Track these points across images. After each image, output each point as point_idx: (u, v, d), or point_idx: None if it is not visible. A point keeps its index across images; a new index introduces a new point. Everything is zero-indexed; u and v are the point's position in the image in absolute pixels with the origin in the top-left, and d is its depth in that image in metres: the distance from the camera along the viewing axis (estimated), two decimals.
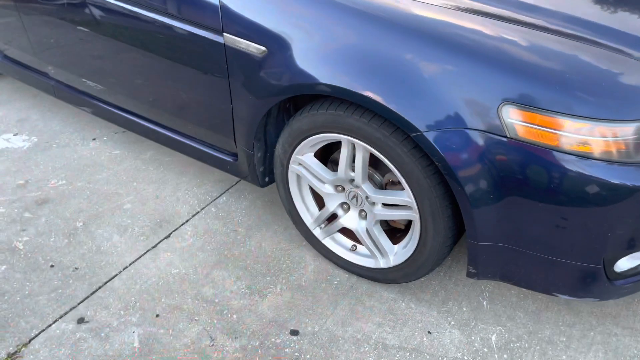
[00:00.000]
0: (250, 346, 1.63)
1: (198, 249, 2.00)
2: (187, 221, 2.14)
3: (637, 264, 1.46)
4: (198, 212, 2.19)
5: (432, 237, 1.54)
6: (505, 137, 1.30)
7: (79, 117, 2.87)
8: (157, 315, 1.74)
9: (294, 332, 1.67)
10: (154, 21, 1.82)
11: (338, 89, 1.45)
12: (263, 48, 1.59)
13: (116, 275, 1.90)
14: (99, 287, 1.85)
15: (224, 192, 2.30)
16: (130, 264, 1.94)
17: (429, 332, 1.65)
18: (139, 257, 1.97)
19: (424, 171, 1.45)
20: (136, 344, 1.65)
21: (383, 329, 1.67)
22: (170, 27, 1.78)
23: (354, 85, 1.43)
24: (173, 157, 2.53)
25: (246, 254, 1.97)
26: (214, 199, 2.25)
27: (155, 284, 1.86)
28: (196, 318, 1.73)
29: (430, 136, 1.36)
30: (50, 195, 2.29)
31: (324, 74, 1.48)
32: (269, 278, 1.87)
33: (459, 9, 1.46)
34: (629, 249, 1.35)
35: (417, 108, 1.36)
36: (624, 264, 1.44)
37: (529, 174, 1.30)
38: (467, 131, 1.33)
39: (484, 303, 1.74)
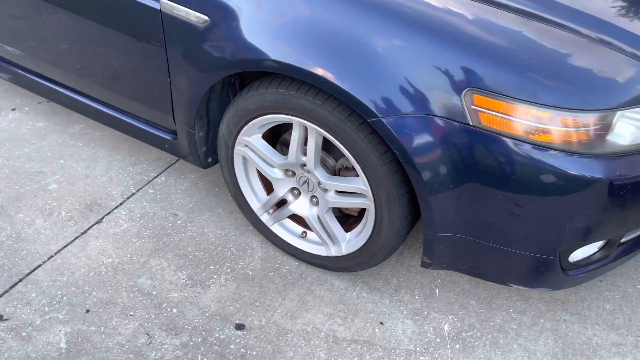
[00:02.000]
0: (191, 343, 1.52)
1: (134, 235, 1.84)
2: (121, 204, 1.96)
3: (591, 253, 1.44)
4: (133, 194, 2.01)
5: (386, 226, 1.47)
6: (468, 124, 1.23)
7: None
8: (87, 311, 1.58)
9: (240, 327, 1.57)
10: None
11: (286, 66, 1.32)
12: (205, 17, 1.42)
13: (39, 265, 1.71)
14: (20, 280, 1.66)
15: (163, 171, 2.12)
16: (56, 253, 1.76)
17: (381, 323, 1.59)
18: (66, 245, 1.79)
19: (380, 158, 1.35)
20: (63, 345, 1.49)
21: (334, 321, 1.59)
22: None
23: (305, 62, 1.30)
24: (105, 131, 2.31)
25: (187, 240, 1.83)
26: (151, 179, 2.08)
27: (85, 275, 1.69)
28: (131, 313, 1.58)
29: (388, 122, 1.26)
30: None
31: (272, 49, 1.34)
32: (212, 267, 1.74)
33: None
34: (585, 240, 1.33)
35: (376, 92, 1.26)
36: (578, 254, 1.42)
37: (490, 163, 1.24)
38: (429, 117, 1.24)
39: (437, 291, 1.70)
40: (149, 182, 2.07)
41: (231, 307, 1.62)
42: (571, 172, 1.22)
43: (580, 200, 1.25)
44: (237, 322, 1.58)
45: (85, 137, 2.28)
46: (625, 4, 1.43)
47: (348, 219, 1.70)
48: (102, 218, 1.90)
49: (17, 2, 1.85)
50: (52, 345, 1.49)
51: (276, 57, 1.33)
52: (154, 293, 1.65)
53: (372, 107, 1.26)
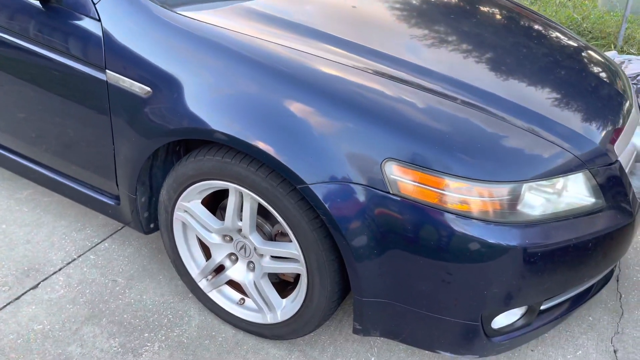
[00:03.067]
0: None
1: (68, 302, 1.80)
2: (59, 269, 1.94)
3: (513, 320, 1.49)
4: (74, 260, 1.99)
5: (318, 291, 1.49)
6: (388, 192, 1.30)
7: None
8: None
9: None
10: (33, 52, 1.68)
11: (225, 136, 1.40)
12: (148, 88, 1.51)
13: None
14: None
15: (107, 237, 2.12)
16: None
17: None
18: None
19: (310, 224, 1.41)
20: None
21: None
22: (50, 60, 1.65)
23: (245, 134, 1.38)
24: (53, 197, 2.31)
25: (124, 307, 1.81)
26: (94, 245, 2.07)
27: (13, 342, 1.64)
28: None
29: (315, 189, 1.33)
30: None
31: (212, 119, 1.42)
32: (147, 334, 1.71)
33: (356, 67, 1.46)
34: (505, 306, 1.38)
35: (304, 160, 1.34)
36: (501, 321, 1.47)
37: (411, 231, 1.30)
38: (352, 185, 1.32)
39: (372, 359, 1.70)
40: (91, 248, 2.06)
41: None
42: (488, 240, 1.29)
43: (496, 267, 1.31)
44: None
45: (31, 203, 2.27)
46: (533, 87, 1.58)
47: (286, 285, 1.72)
48: (39, 284, 1.87)
49: None
50: None
51: (216, 127, 1.41)
52: None
53: (300, 174, 1.33)
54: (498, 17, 2.11)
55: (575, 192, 1.43)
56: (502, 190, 1.30)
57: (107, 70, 1.56)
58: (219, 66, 1.45)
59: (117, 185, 1.76)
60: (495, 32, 1.92)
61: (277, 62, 1.43)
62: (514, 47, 1.82)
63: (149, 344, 1.68)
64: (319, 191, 1.33)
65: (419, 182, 1.29)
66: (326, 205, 1.32)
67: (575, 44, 2.03)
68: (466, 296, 1.35)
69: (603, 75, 1.83)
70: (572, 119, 1.51)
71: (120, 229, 2.17)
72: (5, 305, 1.77)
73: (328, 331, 1.79)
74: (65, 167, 1.90)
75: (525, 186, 1.32)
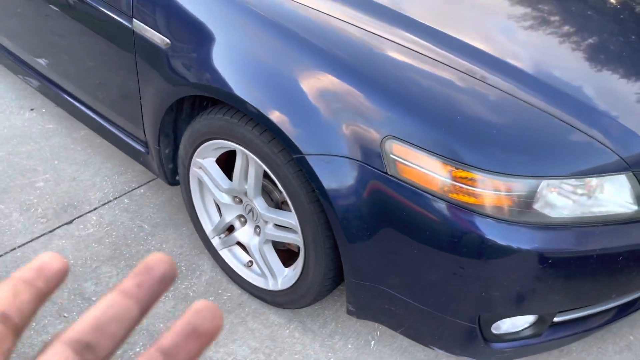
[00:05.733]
0: None
1: (95, 240, 1.90)
2: (94, 209, 2.04)
3: (520, 328, 1.35)
4: (109, 202, 2.08)
5: (313, 266, 1.44)
6: (385, 173, 1.20)
7: (26, 85, 2.76)
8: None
9: None
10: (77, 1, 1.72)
11: (226, 95, 1.35)
12: (167, 40, 1.49)
13: (0, 256, 1.80)
14: None
15: (144, 184, 2.19)
16: (19, 247, 1.84)
17: None
18: (31, 240, 1.87)
19: (307, 196, 1.34)
20: None
21: (256, 355, 1.56)
22: (91, 7, 1.68)
23: (245, 94, 1.32)
24: (104, 140, 2.42)
25: (143, 253, 1.87)
26: (131, 190, 2.15)
27: None
28: (65, 315, 1.62)
29: (311, 160, 1.25)
30: None
31: (220, 78, 1.38)
32: None
33: (378, 35, 1.34)
34: (506, 312, 1.24)
35: (304, 130, 1.26)
36: (504, 326, 1.33)
37: (405, 217, 1.20)
38: (349, 161, 1.22)
39: (372, 343, 1.63)
40: (127, 192, 2.14)
41: (161, 325, 1.62)
42: (489, 238, 1.15)
43: (499, 269, 1.18)
44: None
45: (85, 143, 2.40)
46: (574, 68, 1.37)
47: (294, 255, 1.68)
48: (73, 220, 1.98)
49: (30, 16, 2.01)
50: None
51: (221, 87, 1.37)
52: (94, 299, 1.69)
53: (298, 143, 1.26)
54: None
55: (613, 196, 1.23)
56: (515, 186, 1.15)
57: (133, 20, 1.55)
58: (238, 25, 1.39)
59: (145, 134, 1.79)
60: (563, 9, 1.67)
61: (293, 23, 1.34)
62: (580, 23, 1.58)
63: None
64: (314, 163, 1.25)
65: (419, 166, 1.17)
66: (320, 178, 1.25)
67: None
68: (461, 295, 1.23)
69: None
70: (630, 114, 1.29)
71: (156, 178, 2.23)
72: (39, 236, 1.90)
73: (334, 307, 1.74)
74: (105, 110, 1.96)
75: (544, 183, 1.15)
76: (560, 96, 1.26)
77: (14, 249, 1.83)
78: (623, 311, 1.42)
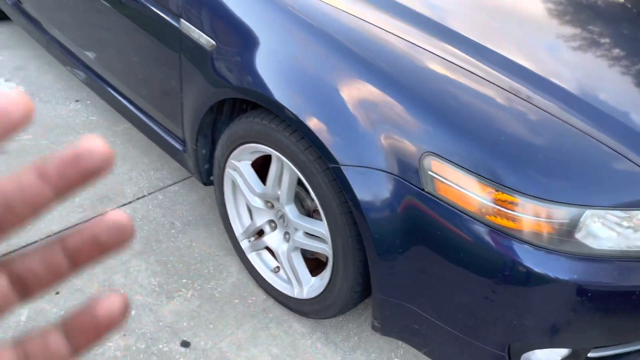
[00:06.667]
0: (134, 347, 1.54)
1: None
2: (129, 203, 2.07)
3: None
4: (144, 196, 2.11)
5: (341, 278, 1.42)
6: (422, 189, 1.17)
7: (73, 76, 2.85)
8: (57, 293, 1.67)
9: (185, 344, 1.57)
10: None
11: (265, 99, 1.35)
12: (213, 42, 1.50)
13: (36, 242, 1.84)
14: (14, 250, 1.79)
15: (179, 181, 2.22)
16: (54, 233, 1.88)
17: None
18: (67, 228, 1.91)
19: (340, 207, 1.32)
20: (23, 318, 1.58)
21: None
22: (141, 4, 1.71)
23: (284, 99, 1.32)
24: (143, 134, 2.46)
25: (173, 250, 1.89)
26: (166, 186, 2.18)
27: None
28: None
29: (347, 171, 1.24)
30: (11, 147, 2.26)
31: (261, 82, 1.38)
32: (184, 280, 1.78)
33: (421, 47, 1.32)
34: (538, 343, 1.19)
35: (342, 140, 1.25)
36: (533, 356, 1.28)
37: (439, 236, 1.17)
38: (385, 174, 1.20)
39: None
40: (162, 189, 2.17)
41: (185, 324, 1.63)
42: (524, 264, 1.11)
43: (533, 298, 1.14)
44: (185, 339, 1.59)
45: (125, 137, 2.44)
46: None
47: (321, 264, 1.67)
48: (107, 212, 2.01)
49: (81, 13, 2.06)
50: (15, 316, 1.58)
51: (262, 91, 1.37)
52: (122, 291, 1.70)
53: (334, 153, 1.25)
54: None
55: None
56: (558, 213, 1.10)
57: (181, 19, 1.58)
58: (286, 33, 1.39)
59: (183, 132, 1.81)
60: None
61: (340, 33, 1.34)
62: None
63: (183, 290, 1.74)
64: (350, 173, 1.23)
65: (458, 185, 1.14)
66: (354, 190, 1.23)
67: None
68: (492, 321, 1.19)
69: None
70: None
71: (190, 177, 2.25)
72: (74, 225, 1.93)
73: (358, 320, 1.71)
74: (146, 106, 2.00)
75: (588, 212, 1.11)
76: (608, 121, 1.21)
77: (49, 235, 1.87)
78: None
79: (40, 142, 2.33)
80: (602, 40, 1.60)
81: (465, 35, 1.38)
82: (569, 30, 1.60)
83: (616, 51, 1.55)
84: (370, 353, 1.61)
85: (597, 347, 1.25)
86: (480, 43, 1.37)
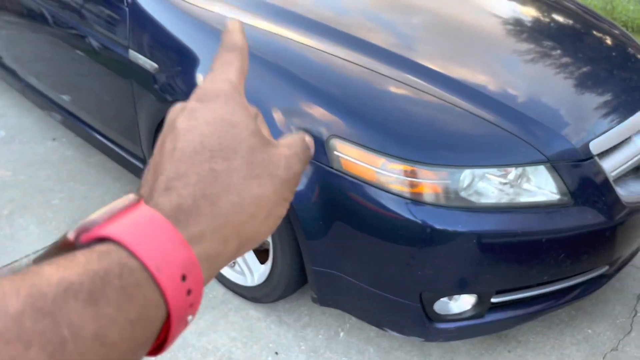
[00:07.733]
0: None
1: None
2: None
3: (463, 309, 1.48)
4: None
5: (280, 258, 1.61)
6: (331, 167, 1.38)
7: (49, 117, 3.08)
8: None
9: None
10: (78, 35, 2.00)
11: None
12: (155, 65, 1.74)
13: (16, 261, 2.03)
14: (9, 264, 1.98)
15: None
16: (32, 253, 2.07)
17: (276, 353, 1.70)
18: (43, 248, 2.10)
19: None
20: None
21: (234, 344, 1.72)
22: (101, 44, 1.96)
23: None
24: (115, 163, 2.68)
25: None
26: None
27: None
28: None
29: None
30: None
31: None
32: None
33: (321, 51, 1.56)
34: (442, 290, 1.39)
35: None
36: (447, 307, 1.47)
37: (350, 206, 1.37)
38: None
39: (341, 334, 1.77)
40: None
41: None
42: (420, 221, 1.32)
43: (429, 249, 1.33)
44: None
45: (98, 167, 2.66)
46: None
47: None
48: None
49: (45, 53, 2.31)
50: None
51: None
52: None
53: None
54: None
55: (539, 186, 1.38)
56: (441, 174, 1.32)
57: (129, 50, 1.82)
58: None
59: (142, 151, 2.03)
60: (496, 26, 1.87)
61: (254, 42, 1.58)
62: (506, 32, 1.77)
63: None
64: None
65: (358, 160, 1.35)
66: None
67: (582, 26, 1.90)
68: (401, 274, 1.38)
69: (622, 69, 1.71)
70: (548, 112, 1.46)
71: None
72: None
73: (309, 304, 1.89)
74: (115, 136, 2.22)
75: (467, 171, 1.32)
76: (485, 99, 1.44)
77: (28, 255, 2.06)
78: (562, 297, 1.54)
79: (20, 177, 2.54)
80: (493, 32, 1.83)
81: (371, 42, 1.61)
82: (471, 32, 1.84)
83: (502, 42, 1.78)
84: (319, 329, 1.79)
85: (498, 293, 1.44)
86: (385, 48, 1.60)
